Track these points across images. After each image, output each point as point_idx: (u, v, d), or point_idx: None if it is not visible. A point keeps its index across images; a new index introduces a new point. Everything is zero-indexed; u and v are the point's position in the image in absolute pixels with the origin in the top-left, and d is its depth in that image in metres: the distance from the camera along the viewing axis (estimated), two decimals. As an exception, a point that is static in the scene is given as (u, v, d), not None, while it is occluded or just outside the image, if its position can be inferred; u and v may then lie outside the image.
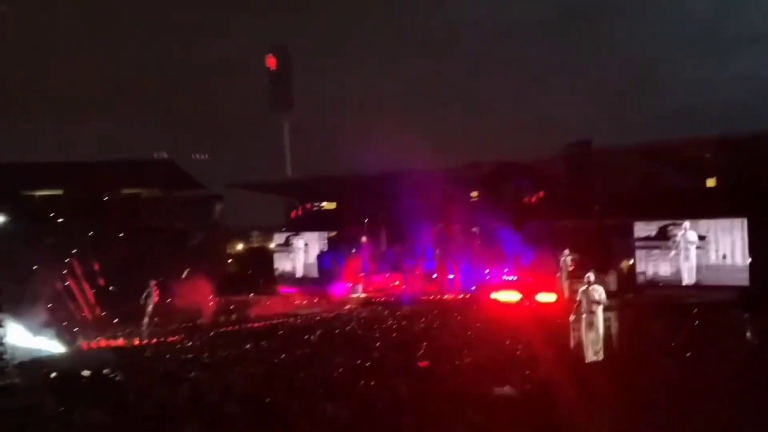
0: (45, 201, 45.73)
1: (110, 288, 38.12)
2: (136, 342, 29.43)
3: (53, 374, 22.41)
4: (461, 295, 37.45)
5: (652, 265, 34.46)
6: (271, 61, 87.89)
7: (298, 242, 48.74)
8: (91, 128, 78.45)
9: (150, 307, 32.93)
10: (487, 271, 39.12)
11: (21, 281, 29.10)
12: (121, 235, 44.14)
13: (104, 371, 22.37)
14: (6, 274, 26.55)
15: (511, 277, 37.84)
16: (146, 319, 32.54)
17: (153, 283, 33.56)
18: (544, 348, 21.64)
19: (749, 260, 31.35)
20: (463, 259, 40.01)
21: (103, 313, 33.49)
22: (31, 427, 17.08)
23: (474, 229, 40.56)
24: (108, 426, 17.06)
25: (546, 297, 33.67)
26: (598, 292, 20.20)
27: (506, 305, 33.65)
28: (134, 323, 32.13)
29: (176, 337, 29.71)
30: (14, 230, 29.72)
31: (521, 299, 34.19)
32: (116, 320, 33.00)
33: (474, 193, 43.20)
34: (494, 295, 35.59)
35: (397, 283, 41.53)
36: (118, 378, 21.52)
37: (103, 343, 29.45)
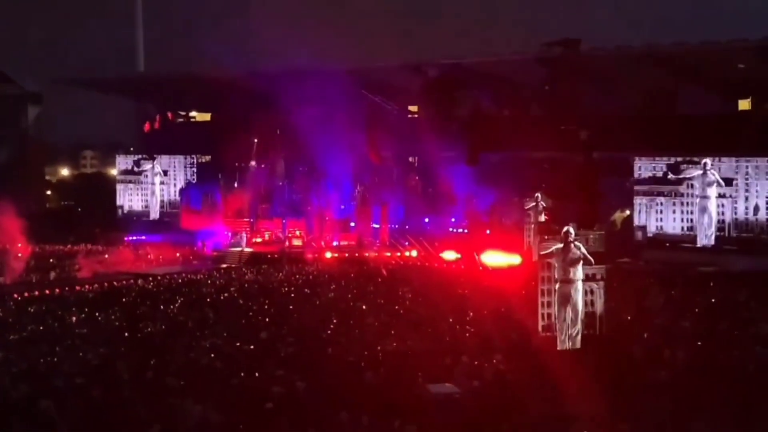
0: None
1: None
2: None
3: None
4: (389, 252, 37.80)
5: (655, 218, 35.44)
6: None
7: (154, 169, 48.11)
8: None
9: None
10: (426, 219, 39.60)
11: None
12: None
13: None
14: None
15: (459, 229, 38.44)
16: None
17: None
18: (501, 330, 22.06)
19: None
20: (394, 201, 40.33)
21: None
22: None
23: (411, 159, 40.80)
24: None
25: (506, 258, 34.26)
26: (579, 250, 20.54)
27: (450, 268, 34.17)
28: None
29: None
30: None
31: (475, 261, 34.80)
32: None
33: (412, 108, 43.28)
34: (447, 255, 36.13)
35: (297, 232, 41.55)
36: None
37: None
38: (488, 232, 37.24)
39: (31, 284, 32.72)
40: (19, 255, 35.76)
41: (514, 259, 33.88)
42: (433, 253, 36.13)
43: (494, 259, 34.31)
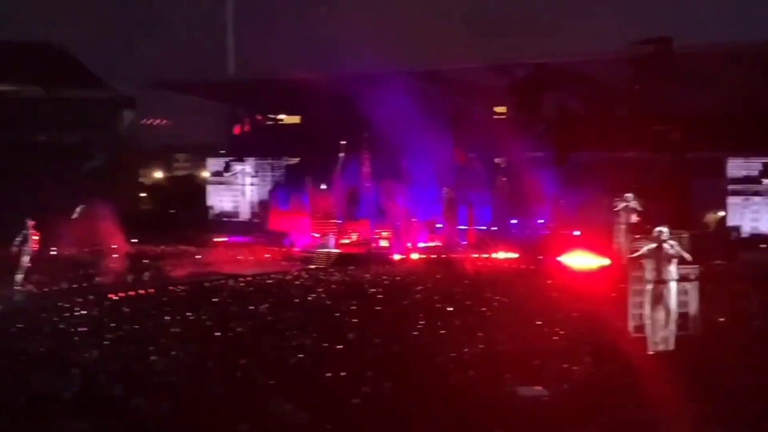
0: None
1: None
2: (5, 308, 29.50)
3: None
4: (475, 254, 37.64)
5: (751, 219, 34.67)
6: None
7: (244, 171, 48.68)
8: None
9: (26, 258, 32.90)
10: (514, 220, 39.33)
11: None
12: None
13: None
14: None
15: (547, 231, 38.11)
16: (20, 275, 32.51)
17: (30, 223, 33.49)
18: (591, 332, 21.82)
19: None
20: (481, 202, 40.14)
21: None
22: None
23: (497, 160, 40.54)
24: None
25: (595, 260, 33.89)
26: (675, 250, 20.17)
27: (538, 270, 33.91)
28: (2, 280, 32.20)
29: (63, 301, 29.78)
30: None
31: (565, 262, 34.55)
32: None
33: (499, 109, 43.02)
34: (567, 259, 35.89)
35: (384, 233, 41.64)
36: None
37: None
38: (577, 233, 36.78)
39: (126, 284, 33.27)
40: (115, 256, 36.45)
41: (604, 261, 33.44)
42: (544, 256, 35.64)
43: (582, 260, 33.95)
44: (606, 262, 33.48)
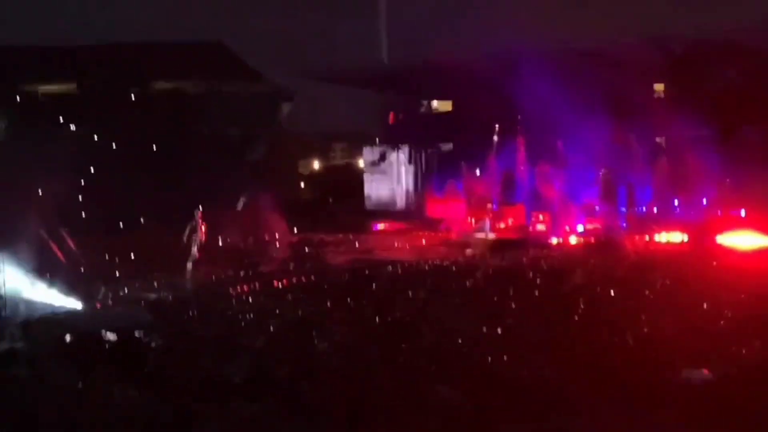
0: (52, 99, 47.35)
1: (141, 221, 39.42)
2: (178, 295, 30.55)
3: (67, 337, 23.64)
4: (637, 237, 36.95)
5: None
6: None
7: (399, 159, 48.97)
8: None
9: (195, 248, 34.00)
10: (676, 202, 38.43)
11: (21, 211, 30.41)
12: (154, 147, 45.34)
13: (135, 334, 23.42)
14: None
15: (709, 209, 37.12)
16: (190, 264, 33.63)
17: (198, 213, 34.57)
18: (759, 315, 21.22)
19: None
20: (642, 183, 39.34)
21: (131, 255, 34.73)
22: (35, 405, 18.11)
23: (658, 140, 39.61)
24: (140, 406, 17.90)
25: (761, 239, 32.90)
26: None
27: (702, 251, 33.11)
28: (174, 269, 33.36)
29: (231, 288, 30.70)
30: (11, 140, 30.79)
31: (729, 242, 33.65)
32: (150, 265, 34.15)
33: (658, 86, 41.97)
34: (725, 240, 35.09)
35: (541, 218, 41.26)
36: (153, 343, 22.51)
37: (133, 296, 30.74)
38: (742, 213, 35.64)
39: (289, 271, 33.95)
40: (277, 245, 37.28)
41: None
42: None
43: (747, 240, 32.98)
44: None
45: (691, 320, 21.55)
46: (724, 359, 17.92)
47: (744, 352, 18.33)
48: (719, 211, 37.38)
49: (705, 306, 22.99)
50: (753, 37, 36.47)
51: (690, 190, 38.04)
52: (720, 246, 34.06)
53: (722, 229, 35.07)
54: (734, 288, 24.82)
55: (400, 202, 48.68)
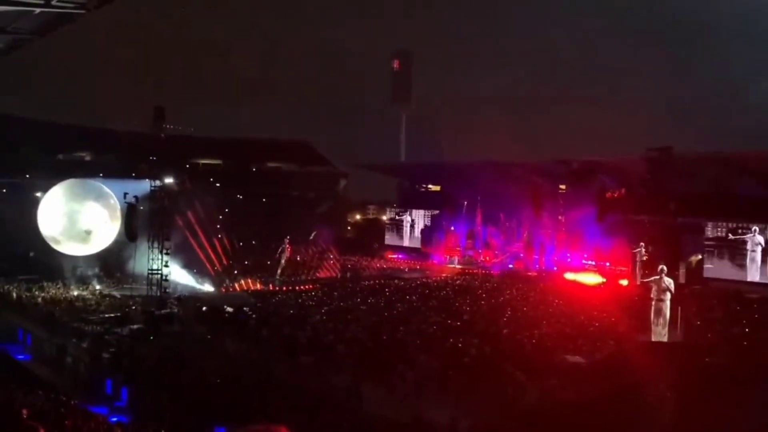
0: (206, 168, 48.05)
1: (253, 242, 39.70)
2: (271, 288, 30.65)
3: (204, 308, 23.77)
4: (544, 274, 36.65)
5: (719, 263, 32.52)
6: (396, 63, 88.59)
7: (406, 217, 49.05)
8: (245, 110, 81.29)
9: (283, 261, 34.27)
10: (568, 255, 38.15)
11: (185, 233, 30.73)
12: (264, 200, 45.78)
13: (244, 309, 23.52)
14: (173, 226, 28.08)
15: (590, 262, 36.75)
16: (279, 271, 33.83)
17: (287, 240, 34.83)
18: (615, 326, 21.00)
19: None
20: (548, 242, 39.10)
21: (245, 263, 34.97)
22: (184, 348, 18.21)
23: (559, 218, 39.45)
24: (244, 353, 17.96)
25: (620, 282, 32.56)
26: (668, 283, 19.37)
27: (583, 285, 32.74)
28: (270, 273, 33.43)
29: (302, 287, 30.72)
30: (182, 191, 31.31)
31: (602, 282, 33.32)
32: (256, 269, 34.31)
33: (562, 186, 41.96)
34: (572, 276, 34.74)
35: (487, 258, 41.14)
36: (254, 316, 22.58)
37: (244, 286, 30.87)
38: (608, 265, 35.34)
39: (337, 279, 34.06)
40: (332, 262, 37.35)
41: (625, 282, 32.21)
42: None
43: (588, 278, 33.14)
44: (626, 283, 32.13)
45: (567, 326, 21.23)
46: (589, 350, 17.76)
47: (603, 346, 18.16)
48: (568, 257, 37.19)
49: (582, 318, 22.71)
50: (620, 161, 36.50)
51: (574, 247, 37.79)
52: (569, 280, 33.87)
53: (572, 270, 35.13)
54: (595, 307, 24.42)
55: (406, 242, 48.65)
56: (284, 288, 30.46)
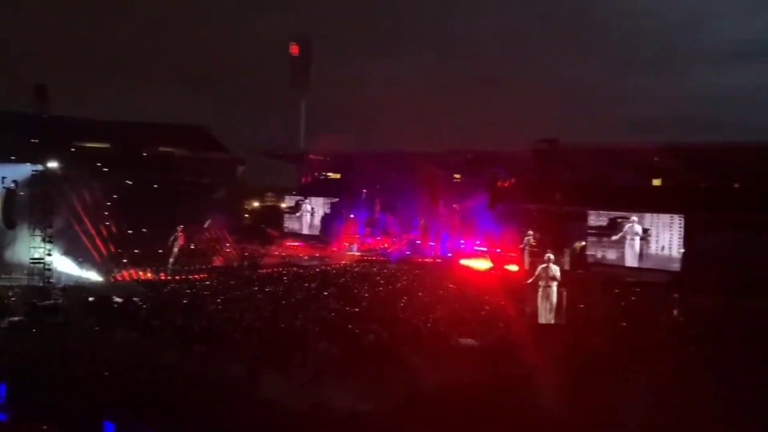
0: (93, 152, 45.42)
1: (143, 230, 38.04)
2: (162, 277, 29.56)
3: (91, 298, 22.57)
4: (439, 260, 37.60)
5: (600, 249, 34.69)
6: (294, 49, 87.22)
7: (306, 205, 48.76)
8: (137, 92, 77.62)
9: (176, 249, 33.07)
10: (462, 241, 39.30)
11: (69, 220, 29.04)
12: (155, 186, 43.95)
13: (134, 299, 22.53)
14: (56, 213, 26.50)
15: (482, 248, 38.04)
16: (172, 259, 32.64)
17: (180, 228, 33.66)
18: (505, 310, 21.87)
19: (682, 251, 31.59)
20: (443, 229, 40.16)
21: (135, 251, 33.54)
22: (71, 340, 17.25)
23: (454, 206, 40.56)
24: (135, 344, 17.26)
25: (510, 267, 33.88)
26: (555, 270, 20.38)
27: (476, 271, 33.89)
28: (162, 262, 32.23)
29: (196, 276, 29.84)
30: (66, 176, 29.49)
31: (491, 267, 34.49)
32: (147, 258, 33.00)
33: (456, 175, 43.14)
34: (466, 262, 35.87)
35: (386, 245, 41.68)
36: (145, 306, 21.70)
37: (134, 275, 29.59)
38: (499, 251, 36.75)
39: (233, 267, 33.32)
40: (228, 250, 36.58)
41: (515, 268, 33.51)
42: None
43: (506, 267, 34.10)
44: (516, 268, 33.47)
45: (460, 310, 21.90)
46: (481, 332, 18.41)
47: (494, 329, 18.86)
48: (462, 244, 38.49)
49: (474, 302, 23.47)
50: (512, 152, 37.96)
51: (469, 235, 39.01)
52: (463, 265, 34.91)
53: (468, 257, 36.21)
54: (487, 292, 25.31)
55: (305, 230, 48.40)
56: (177, 277, 29.44)
